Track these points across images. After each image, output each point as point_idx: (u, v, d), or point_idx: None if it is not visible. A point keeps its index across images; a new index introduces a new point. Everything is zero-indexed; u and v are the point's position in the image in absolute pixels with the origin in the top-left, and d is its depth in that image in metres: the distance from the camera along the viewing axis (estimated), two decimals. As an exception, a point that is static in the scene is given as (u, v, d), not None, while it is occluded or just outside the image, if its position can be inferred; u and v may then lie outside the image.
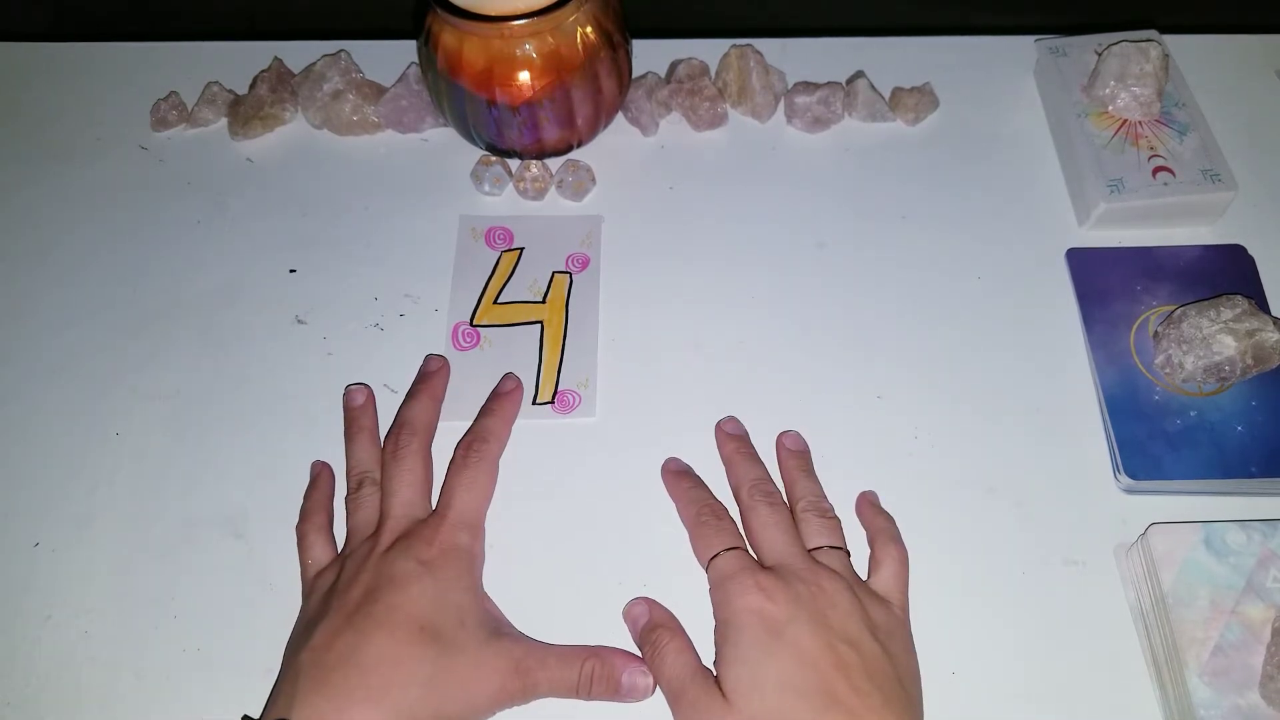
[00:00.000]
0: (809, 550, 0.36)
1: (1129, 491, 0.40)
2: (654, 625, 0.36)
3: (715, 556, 0.36)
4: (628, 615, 0.37)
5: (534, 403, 0.43)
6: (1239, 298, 0.41)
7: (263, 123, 0.51)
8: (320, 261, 0.47)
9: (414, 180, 0.50)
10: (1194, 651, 0.34)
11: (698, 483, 0.40)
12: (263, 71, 0.53)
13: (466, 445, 0.40)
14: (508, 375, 0.43)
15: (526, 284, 0.46)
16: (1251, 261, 0.45)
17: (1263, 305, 0.44)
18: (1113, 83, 0.48)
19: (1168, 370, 0.42)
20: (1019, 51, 0.53)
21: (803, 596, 0.34)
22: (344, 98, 0.51)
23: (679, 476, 0.40)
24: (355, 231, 0.48)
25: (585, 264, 0.47)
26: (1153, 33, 0.50)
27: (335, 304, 0.46)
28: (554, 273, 0.47)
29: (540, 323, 0.45)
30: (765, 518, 0.37)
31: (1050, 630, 0.37)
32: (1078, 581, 0.38)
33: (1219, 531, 0.36)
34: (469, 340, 0.44)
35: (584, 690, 0.35)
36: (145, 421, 0.43)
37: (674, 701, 0.34)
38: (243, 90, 0.53)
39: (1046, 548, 0.39)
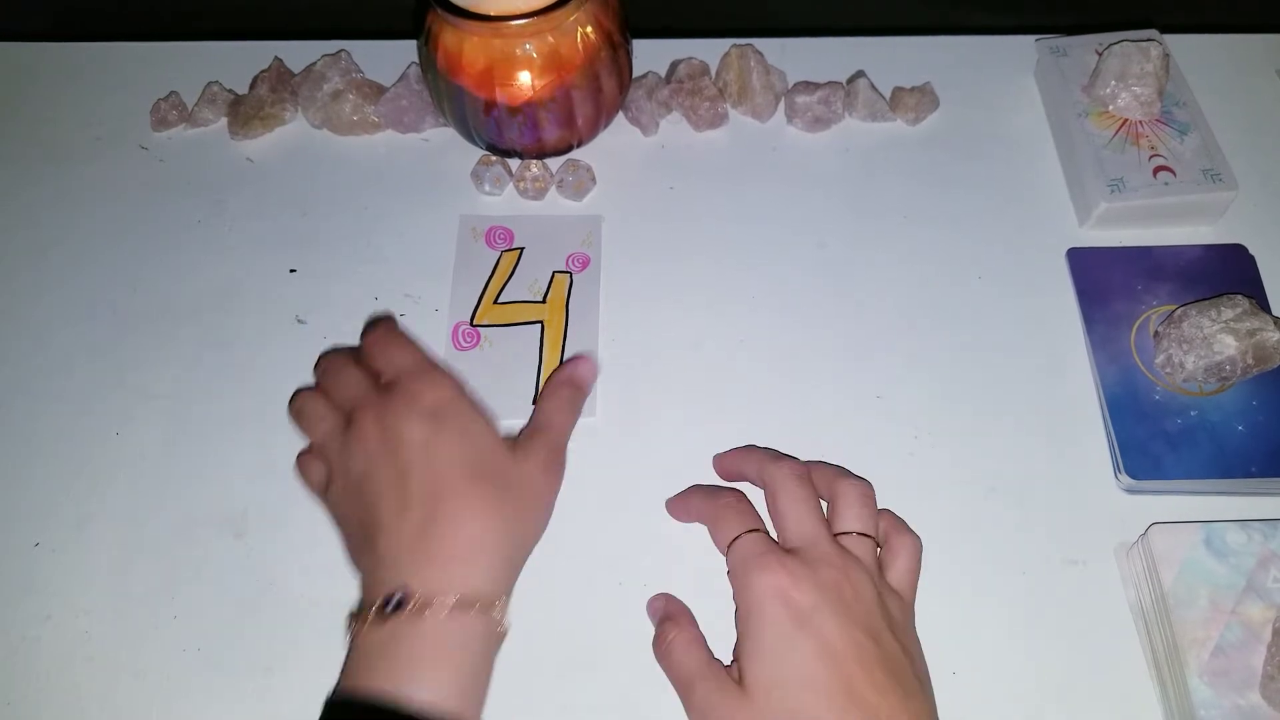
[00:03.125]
0: (836, 535, 0.35)
1: (1129, 491, 0.40)
2: (663, 618, 0.36)
3: (736, 539, 0.35)
4: (648, 611, 0.38)
5: (534, 402, 0.42)
6: (1240, 297, 0.41)
7: (263, 122, 0.51)
8: (320, 261, 0.47)
9: (414, 180, 0.50)
10: (1194, 651, 0.34)
11: (710, 487, 0.40)
12: (263, 71, 0.53)
13: None
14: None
15: (527, 284, 0.46)
16: (1252, 261, 0.45)
17: (1263, 305, 0.44)
18: (1113, 82, 0.48)
19: (1168, 370, 0.42)
20: (1019, 51, 0.53)
21: (827, 584, 0.33)
22: (344, 97, 0.51)
23: (687, 491, 0.40)
24: (355, 231, 0.48)
25: (585, 264, 0.46)
26: (1153, 32, 0.50)
27: (335, 304, 0.46)
28: (554, 272, 0.46)
29: (540, 323, 0.45)
30: (793, 494, 0.36)
31: (1051, 630, 0.37)
32: (1078, 581, 0.38)
33: (1219, 531, 0.36)
34: (469, 340, 0.44)
35: (577, 405, 0.41)
36: (145, 421, 0.43)
37: (685, 695, 0.33)
38: (243, 90, 0.53)
39: (1047, 548, 0.39)
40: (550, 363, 0.44)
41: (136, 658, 0.37)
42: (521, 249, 0.47)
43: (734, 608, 0.34)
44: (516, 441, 0.38)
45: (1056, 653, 0.37)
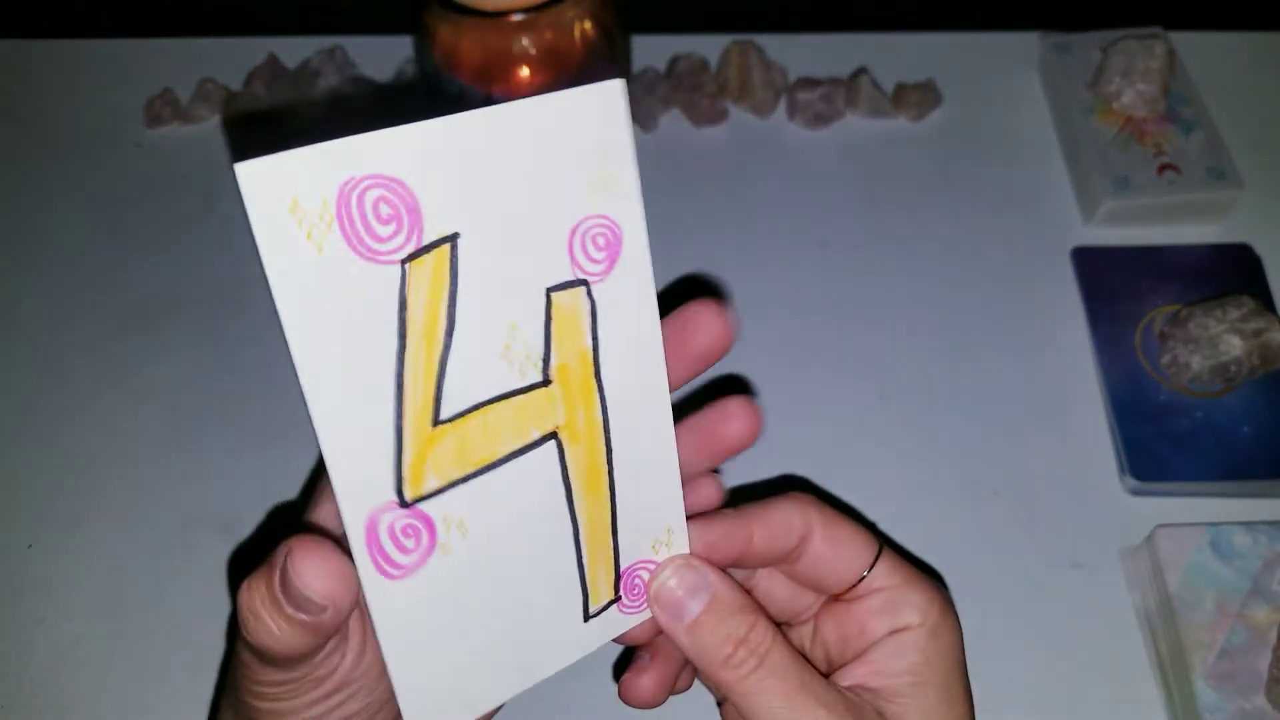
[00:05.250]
0: None
1: (1135, 493, 0.40)
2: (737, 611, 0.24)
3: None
4: (659, 598, 0.24)
5: (585, 617, 0.23)
6: (1245, 297, 0.41)
7: (257, 119, 0.51)
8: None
9: (411, 177, 0.50)
10: (1199, 655, 0.34)
11: None
12: (257, 68, 0.53)
13: None
14: None
15: (494, 344, 0.20)
16: (1258, 260, 0.45)
17: (1269, 305, 0.43)
18: (1118, 79, 0.48)
19: (1174, 370, 0.41)
20: (1023, 47, 0.53)
21: None
22: (340, 94, 0.51)
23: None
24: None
25: (615, 248, 0.21)
26: (1158, 29, 0.50)
27: (331, 303, 0.45)
28: (548, 291, 0.21)
29: (553, 435, 0.21)
30: None
31: (1055, 633, 0.37)
32: (1083, 584, 0.38)
33: (1225, 534, 0.36)
34: (410, 543, 0.20)
35: None
36: (139, 422, 0.42)
37: None
38: (237, 86, 0.52)
39: (1051, 550, 0.39)
40: (594, 519, 0.22)
41: (130, 661, 0.37)
42: (453, 237, 0.19)
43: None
44: None
45: (1060, 656, 0.37)
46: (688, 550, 0.23)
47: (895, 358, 0.43)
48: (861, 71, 0.51)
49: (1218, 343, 0.40)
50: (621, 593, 0.23)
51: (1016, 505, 0.40)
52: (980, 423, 0.42)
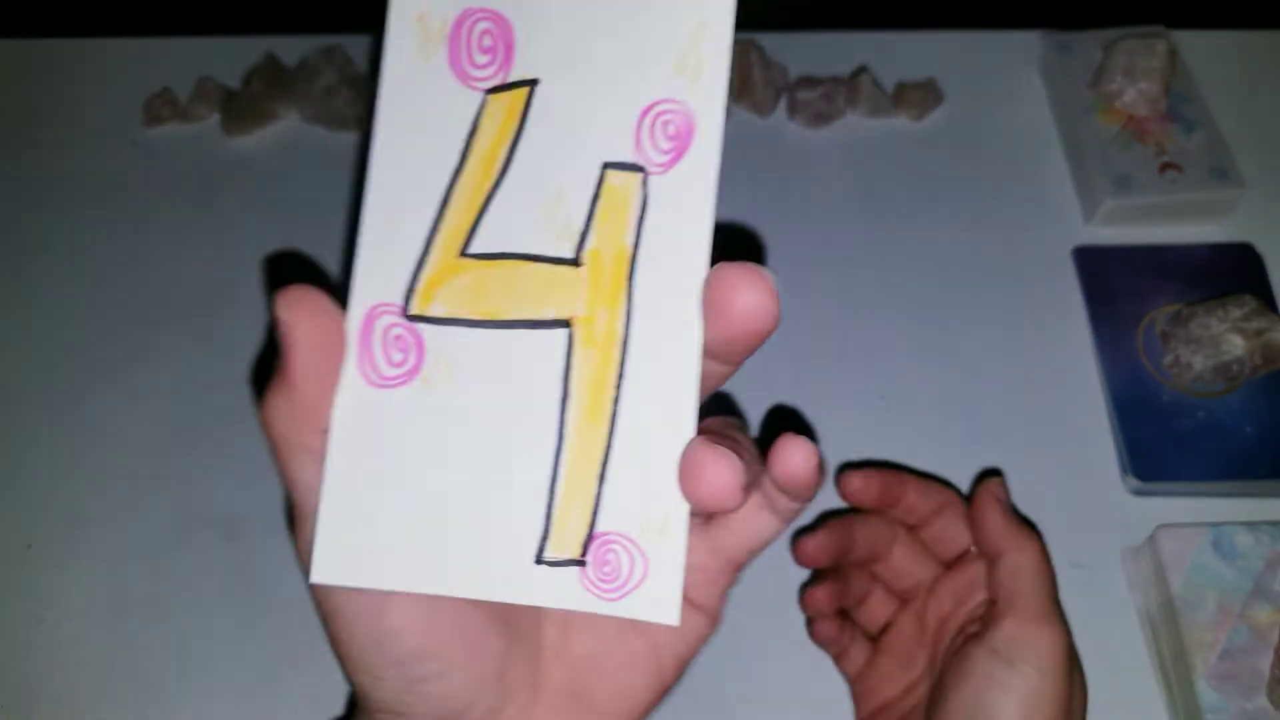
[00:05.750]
0: None
1: (1137, 493, 0.40)
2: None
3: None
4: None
5: (539, 557, 0.20)
6: (1247, 297, 0.41)
7: (256, 118, 0.51)
8: (314, 259, 0.47)
9: (411, 177, 0.50)
10: (1201, 655, 0.34)
11: None
12: (256, 67, 0.52)
13: None
14: None
15: (539, 201, 0.20)
16: (1259, 260, 0.45)
17: (1270, 304, 0.43)
18: (1119, 78, 0.47)
19: (1176, 370, 0.41)
20: (1024, 46, 0.53)
21: None
22: (338, 93, 0.51)
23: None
24: (350, 228, 0.48)
25: (684, 141, 0.20)
26: (1159, 28, 0.50)
27: (331, 303, 0.45)
28: (605, 166, 0.20)
29: (566, 323, 0.20)
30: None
31: (1056, 634, 0.37)
32: (1084, 584, 0.38)
33: (1227, 534, 0.36)
34: (400, 356, 0.20)
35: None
36: (138, 422, 0.42)
37: None
38: (236, 85, 0.52)
39: (1053, 550, 0.38)
40: (582, 445, 0.20)
41: (129, 661, 0.37)
42: (533, 83, 0.20)
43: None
44: None
45: (1062, 656, 0.36)
46: (682, 551, 0.20)
47: (895, 358, 0.43)
48: (862, 70, 0.51)
49: (1220, 342, 0.40)
50: (589, 559, 0.20)
51: (1017, 505, 0.40)
52: (981, 423, 0.41)
